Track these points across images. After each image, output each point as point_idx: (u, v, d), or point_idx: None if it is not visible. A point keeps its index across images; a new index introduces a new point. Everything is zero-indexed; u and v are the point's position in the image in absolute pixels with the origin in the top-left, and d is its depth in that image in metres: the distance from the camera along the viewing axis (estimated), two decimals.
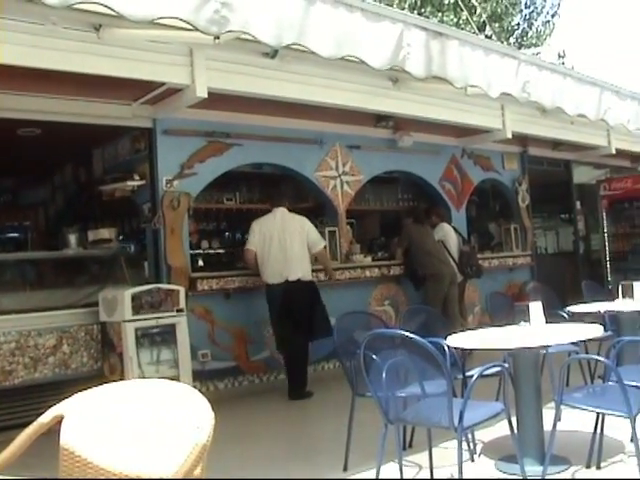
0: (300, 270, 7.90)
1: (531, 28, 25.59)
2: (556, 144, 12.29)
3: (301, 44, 5.95)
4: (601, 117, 10.03)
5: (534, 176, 12.53)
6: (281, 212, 8.03)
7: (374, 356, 4.43)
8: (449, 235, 10.04)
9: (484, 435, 5.28)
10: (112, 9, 4.78)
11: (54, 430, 2.50)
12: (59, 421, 2.51)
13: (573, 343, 5.56)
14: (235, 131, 8.35)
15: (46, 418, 2.52)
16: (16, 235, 10.50)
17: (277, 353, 8.19)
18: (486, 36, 20.37)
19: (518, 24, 25.40)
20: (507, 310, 6.27)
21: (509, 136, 10.08)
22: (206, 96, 6.63)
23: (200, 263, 8.50)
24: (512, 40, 24.63)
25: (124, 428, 2.47)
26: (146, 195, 7.90)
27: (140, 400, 2.53)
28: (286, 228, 7.92)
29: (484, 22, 22.13)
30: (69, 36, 5.61)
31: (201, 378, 7.59)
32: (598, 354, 5.84)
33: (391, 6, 19.44)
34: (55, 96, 6.88)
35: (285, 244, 7.83)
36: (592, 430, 4.69)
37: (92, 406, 2.55)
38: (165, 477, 2.19)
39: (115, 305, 6.79)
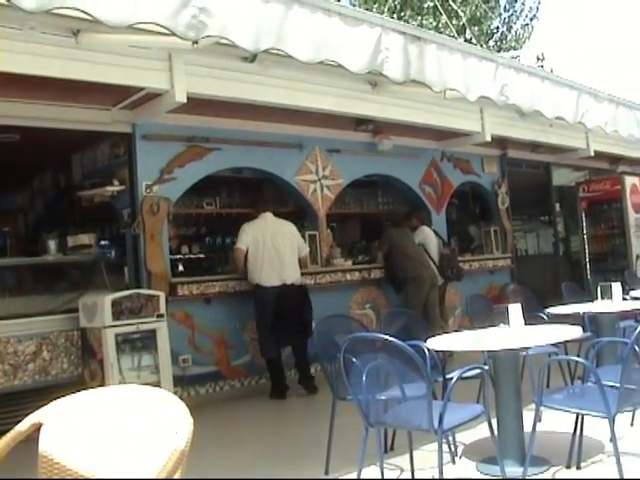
0: (294, 274, 8.13)
1: (510, 31, 25.73)
2: (535, 146, 12.34)
3: (279, 49, 5.96)
4: (579, 120, 10.08)
5: (513, 178, 12.57)
6: (269, 217, 8.14)
7: (354, 359, 4.44)
8: (429, 238, 10.06)
9: (465, 437, 5.30)
10: (89, 14, 4.77)
11: (33, 438, 2.49)
12: (38, 428, 2.50)
13: (553, 344, 5.60)
14: (214, 135, 8.34)
15: (24, 425, 2.51)
16: None
17: (259, 357, 8.18)
18: (466, 40, 20.45)
19: (497, 27, 25.54)
20: (487, 312, 6.30)
21: (488, 139, 10.12)
22: (185, 101, 6.62)
23: (180, 268, 8.48)
24: (491, 43, 24.76)
25: (103, 434, 2.47)
26: (126, 200, 7.88)
27: (119, 406, 2.53)
28: (277, 232, 8.05)
29: (463, 26, 22.23)
30: (47, 41, 5.59)
31: (182, 383, 7.58)
32: (578, 355, 5.88)
33: (370, 10, 19.52)
34: (34, 101, 6.86)
35: (279, 248, 7.98)
36: (572, 431, 4.72)
37: (71, 413, 2.54)
38: None
39: (95, 311, 6.77)
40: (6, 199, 11.10)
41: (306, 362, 8.00)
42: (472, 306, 7.43)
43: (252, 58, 6.71)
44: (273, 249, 7.95)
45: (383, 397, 4.63)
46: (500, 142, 11.48)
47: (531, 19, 25.86)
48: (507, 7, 25.69)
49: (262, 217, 8.14)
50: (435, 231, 10.37)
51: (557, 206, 14.31)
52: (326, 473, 4.98)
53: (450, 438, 5.06)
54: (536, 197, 14.19)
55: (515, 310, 4.96)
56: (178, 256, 8.67)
